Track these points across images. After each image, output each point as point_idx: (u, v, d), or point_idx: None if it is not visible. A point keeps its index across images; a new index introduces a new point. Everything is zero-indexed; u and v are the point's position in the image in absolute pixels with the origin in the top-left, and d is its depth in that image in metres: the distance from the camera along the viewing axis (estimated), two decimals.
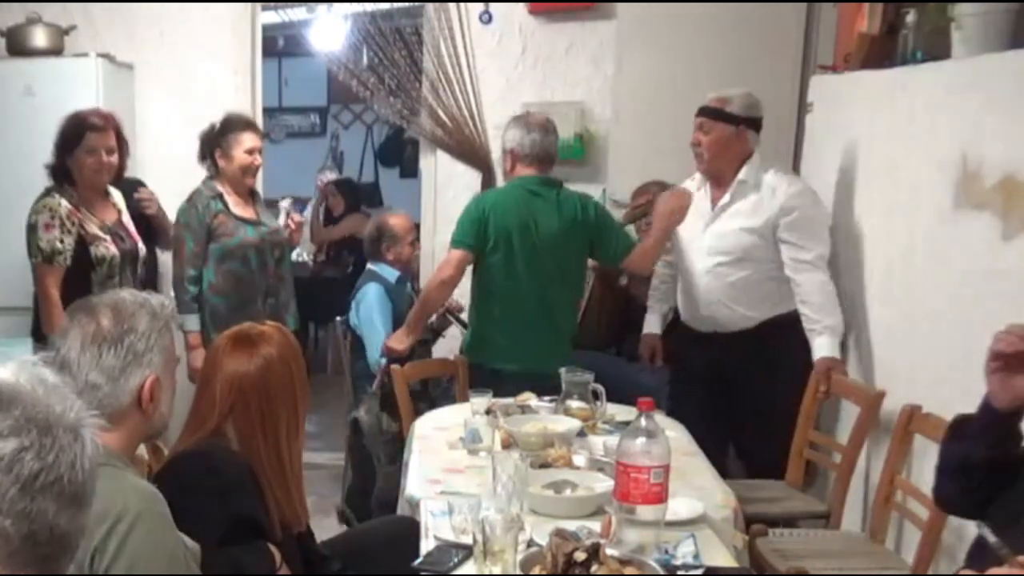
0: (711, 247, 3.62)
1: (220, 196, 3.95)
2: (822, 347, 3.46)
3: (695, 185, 3.72)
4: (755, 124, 3.59)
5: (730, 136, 3.55)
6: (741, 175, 3.56)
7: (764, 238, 3.53)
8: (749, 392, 3.61)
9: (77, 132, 3.61)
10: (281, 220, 4.21)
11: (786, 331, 3.55)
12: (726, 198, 3.60)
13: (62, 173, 3.63)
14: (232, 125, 4.00)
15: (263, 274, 4.01)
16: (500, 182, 5.14)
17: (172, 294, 3.99)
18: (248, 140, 3.97)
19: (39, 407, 1.03)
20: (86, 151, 3.60)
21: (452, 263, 3.74)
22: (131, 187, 4.22)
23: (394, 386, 3.76)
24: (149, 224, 4.16)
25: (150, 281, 4.23)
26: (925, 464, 3.04)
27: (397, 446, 3.69)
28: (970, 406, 2.74)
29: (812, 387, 3.47)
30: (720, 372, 3.65)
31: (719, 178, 3.63)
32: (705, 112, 3.58)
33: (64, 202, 3.48)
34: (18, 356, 1.13)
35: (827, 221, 3.61)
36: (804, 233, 3.50)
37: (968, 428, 2.06)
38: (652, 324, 4.00)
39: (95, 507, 1.60)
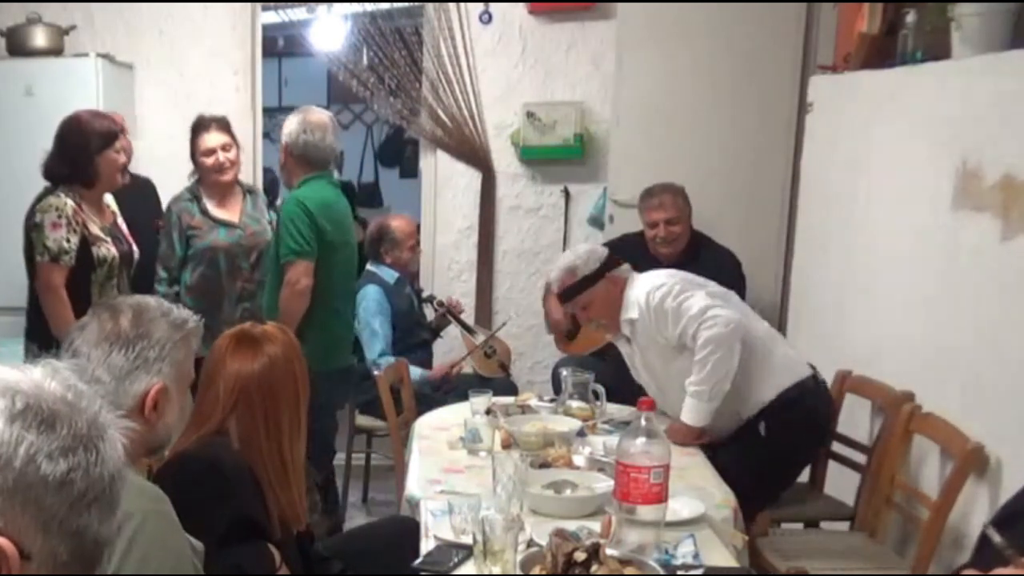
0: (648, 375, 3.29)
1: (198, 198, 3.96)
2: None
3: None
4: (608, 263, 3.25)
5: (606, 290, 3.22)
6: (624, 315, 3.21)
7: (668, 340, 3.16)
8: None
9: (112, 133, 3.51)
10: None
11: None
12: (626, 346, 3.30)
13: (79, 172, 3.46)
14: (194, 129, 4.01)
15: (232, 278, 3.97)
16: (500, 182, 5.16)
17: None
18: (205, 141, 3.95)
19: (79, 421, 1.00)
20: (116, 151, 3.51)
21: (310, 273, 3.57)
22: (140, 187, 4.23)
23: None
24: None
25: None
26: (925, 464, 3.05)
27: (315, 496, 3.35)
28: (969, 405, 2.77)
29: None
30: None
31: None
32: (566, 296, 3.27)
33: (70, 201, 3.42)
34: (9, 356, 1.11)
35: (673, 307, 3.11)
36: (667, 325, 3.12)
37: None
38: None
39: None
